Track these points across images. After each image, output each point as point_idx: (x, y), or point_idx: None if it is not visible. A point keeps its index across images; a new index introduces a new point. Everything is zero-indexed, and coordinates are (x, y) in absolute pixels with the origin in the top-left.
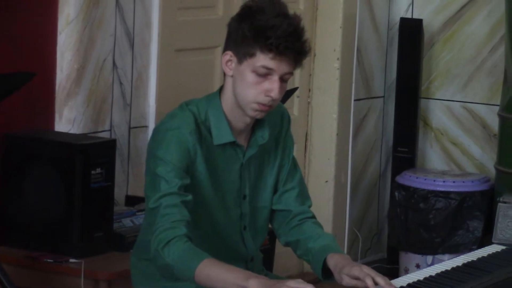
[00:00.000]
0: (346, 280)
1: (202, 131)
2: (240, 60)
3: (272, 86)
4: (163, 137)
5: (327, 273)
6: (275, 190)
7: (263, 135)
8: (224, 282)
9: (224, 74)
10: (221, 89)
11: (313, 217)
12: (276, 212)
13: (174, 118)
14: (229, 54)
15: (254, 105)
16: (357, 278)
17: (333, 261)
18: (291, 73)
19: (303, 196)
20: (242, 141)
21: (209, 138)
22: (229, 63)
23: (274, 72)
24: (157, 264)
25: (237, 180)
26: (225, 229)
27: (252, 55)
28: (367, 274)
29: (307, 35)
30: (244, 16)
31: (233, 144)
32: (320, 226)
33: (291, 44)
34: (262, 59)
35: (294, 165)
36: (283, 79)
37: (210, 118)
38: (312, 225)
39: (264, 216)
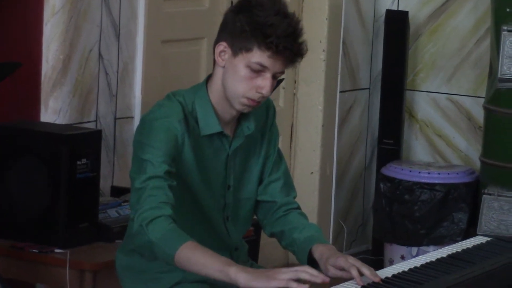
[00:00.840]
0: (332, 271)
1: (189, 121)
2: (235, 52)
3: (264, 83)
4: (151, 126)
5: (312, 264)
6: (260, 181)
7: (249, 126)
8: (204, 266)
9: (214, 64)
10: (208, 78)
11: (298, 208)
12: (261, 203)
13: (162, 108)
14: (223, 45)
15: (243, 100)
16: (342, 269)
17: (318, 252)
18: (283, 72)
19: (288, 187)
20: (228, 131)
21: (196, 128)
22: (222, 54)
23: (268, 70)
24: (138, 241)
25: (223, 170)
26: (210, 218)
27: (248, 50)
28: (353, 264)
29: (305, 36)
30: (242, 8)
31: (220, 134)
32: (305, 217)
33: (290, 45)
34: (259, 56)
35: (279, 156)
36: (274, 77)
37: (197, 109)
38: (297, 216)
39: (247, 208)
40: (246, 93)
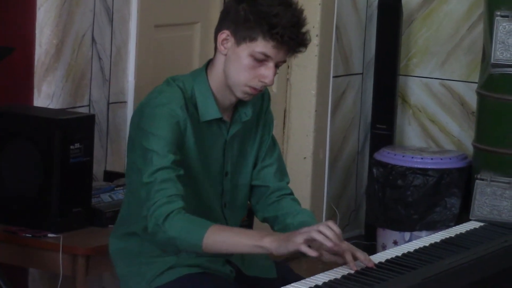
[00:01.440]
0: (326, 256)
1: (189, 106)
2: (238, 42)
3: (268, 73)
4: (153, 112)
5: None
6: (254, 166)
7: (246, 112)
8: (236, 244)
9: (215, 51)
10: (207, 64)
11: (291, 193)
12: (254, 188)
13: (163, 93)
14: (226, 33)
15: (246, 88)
16: (336, 254)
17: None
18: (285, 61)
19: (282, 172)
20: (226, 117)
21: (195, 114)
22: (225, 42)
23: (271, 59)
24: (157, 239)
25: (221, 157)
26: (208, 204)
27: (252, 39)
28: (347, 249)
29: (308, 26)
30: None
31: (219, 120)
32: (298, 203)
33: (295, 35)
34: (263, 46)
35: (273, 141)
36: (277, 65)
37: (196, 94)
38: (290, 201)
39: (244, 193)
40: (248, 82)
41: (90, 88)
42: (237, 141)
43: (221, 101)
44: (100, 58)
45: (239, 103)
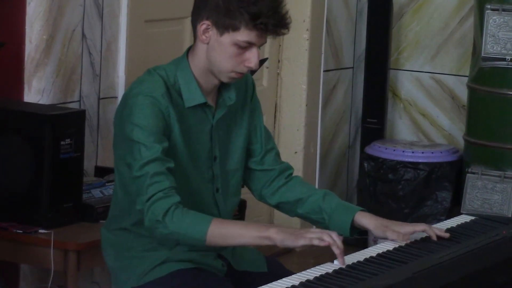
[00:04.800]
0: (391, 235)
1: (172, 94)
2: (221, 31)
3: (252, 57)
4: (135, 102)
5: (354, 232)
6: (249, 153)
7: (230, 96)
8: (241, 236)
9: (195, 39)
10: (188, 52)
11: (293, 172)
12: (258, 173)
13: (143, 83)
14: (206, 24)
15: (232, 74)
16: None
17: (369, 219)
18: (266, 41)
19: (279, 155)
20: (210, 102)
21: (179, 101)
22: (206, 32)
23: (255, 45)
24: (157, 234)
25: (208, 141)
26: (198, 191)
27: (235, 29)
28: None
29: (285, 8)
30: None
31: (204, 105)
32: (308, 183)
33: (277, 21)
34: (246, 35)
35: (266, 128)
36: (258, 47)
37: (180, 81)
38: (303, 183)
39: (236, 179)
40: (234, 68)
41: (81, 84)
42: (224, 125)
43: (204, 86)
44: (90, 53)
45: (223, 88)
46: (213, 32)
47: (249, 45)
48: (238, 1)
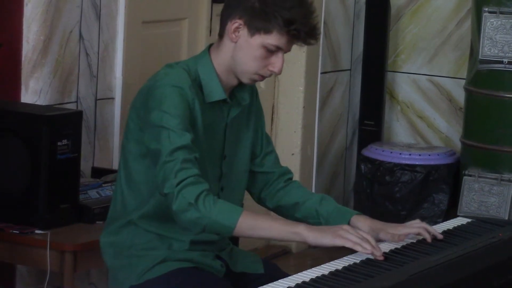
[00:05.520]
0: (383, 236)
1: (195, 88)
2: (252, 32)
3: (277, 62)
4: (164, 92)
5: None
6: (253, 155)
7: (244, 97)
8: (271, 229)
9: (222, 36)
10: (209, 48)
11: (293, 176)
12: (258, 176)
13: (169, 75)
14: (238, 23)
15: (254, 76)
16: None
17: (363, 223)
18: (291, 49)
19: (278, 159)
20: (228, 100)
21: (201, 95)
22: (237, 31)
23: (283, 50)
24: (185, 217)
25: (221, 139)
26: None
27: (268, 32)
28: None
29: (318, 18)
30: None
31: (222, 102)
32: (305, 187)
33: (310, 30)
34: (277, 39)
35: (266, 132)
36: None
37: (201, 76)
38: (299, 187)
39: (241, 180)
40: (258, 71)
41: (78, 84)
42: (235, 125)
43: (224, 84)
44: (87, 54)
45: (236, 89)
46: (243, 32)
47: (277, 49)
48: (274, 4)
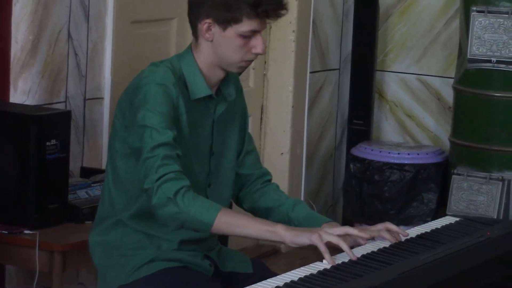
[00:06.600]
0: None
1: (180, 85)
2: (224, 26)
3: (258, 43)
4: (148, 90)
5: None
6: (238, 151)
7: (230, 92)
8: (248, 227)
9: (197, 38)
10: (191, 47)
11: (271, 178)
12: (238, 177)
13: (154, 73)
14: (207, 22)
15: (242, 63)
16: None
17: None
18: (266, 26)
19: (259, 159)
20: (214, 95)
21: (186, 93)
22: (209, 30)
23: (259, 31)
24: (164, 212)
25: (209, 136)
26: (194, 183)
27: (238, 21)
28: (381, 228)
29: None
30: None
31: (207, 99)
32: (280, 189)
33: (277, 5)
34: (249, 25)
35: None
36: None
37: (185, 74)
38: (276, 190)
39: (229, 176)
40: (244, 58)
41: (67, 84)
42: (223, 122)
43: (209, 80)
44: (76, 54)
45: (222, 84)
46: (215, 29)
47: (253, 33)
48: None
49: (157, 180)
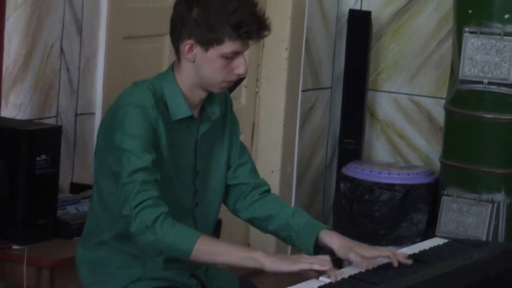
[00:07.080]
0: (353, 257)
1: (159, 106)
2: (206, 47)
3: (240, 64)
4: (125, 112)
5: (318, 250)
6: (228, 167)
7: (214, 111)
8: (227, 254)
9: (179, 58)
10: (173, 66)
11: (270, 189)
12: (231, 188)
13: (133, 94)
14: (189, 43)
15: (223, 84)
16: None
17: (332, 238)
18: (249, 47)
19: (256, 170)
20: (196, 115)
21: (166, 113)
22: (191, 51)
23: (241, 52)
24: (143, 240)
25: (192, 156)
26: (179, 204)
27: (220, 42)
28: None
29: (263, 9)
30: (194, 1)
31: (189, 119)
32: (281, 199)
33: (259, 27)
34: (231, 46)
35: (242, 144)
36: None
37: (166, 94)
38: (276, 199)
39: (215, 194)
40: (226, 78)
41: (58, 99)
42: (207, 140)
43: (190, 101)
44: (68, 69)
45: (206, 103)
46: (197, 50)
47: (235, 54)
48: (217, 13)
49: (136, 207)
